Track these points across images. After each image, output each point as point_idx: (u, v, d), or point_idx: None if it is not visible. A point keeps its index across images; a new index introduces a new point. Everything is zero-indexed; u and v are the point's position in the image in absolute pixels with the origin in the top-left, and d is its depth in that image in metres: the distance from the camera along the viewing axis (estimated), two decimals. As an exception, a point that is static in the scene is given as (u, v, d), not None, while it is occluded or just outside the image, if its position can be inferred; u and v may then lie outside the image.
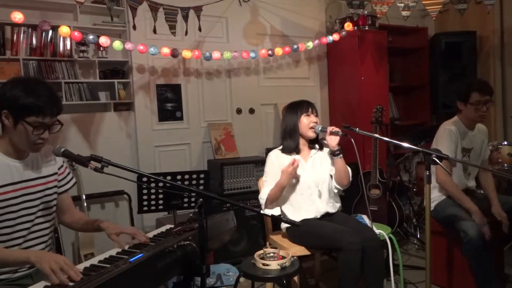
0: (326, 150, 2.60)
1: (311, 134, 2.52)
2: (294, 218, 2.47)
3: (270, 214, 1.90)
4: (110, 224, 1.79)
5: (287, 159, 2.49)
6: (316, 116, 2.55)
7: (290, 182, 2.48)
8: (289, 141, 2.54)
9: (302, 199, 2.51)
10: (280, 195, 2.48)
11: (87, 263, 1.45)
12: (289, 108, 2.62)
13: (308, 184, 2.51)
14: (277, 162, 2.52)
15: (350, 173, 2.56)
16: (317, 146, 2.59)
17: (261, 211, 1.76)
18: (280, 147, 2.60)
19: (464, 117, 2.76)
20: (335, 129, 2.42)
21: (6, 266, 1.59)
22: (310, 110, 2.53)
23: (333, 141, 2.43)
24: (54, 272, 1.32)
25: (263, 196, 2.49)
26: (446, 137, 2.69)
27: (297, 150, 2.55)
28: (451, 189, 2.67)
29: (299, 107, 2.54)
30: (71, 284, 1.29)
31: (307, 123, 2.51)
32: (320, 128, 2.49)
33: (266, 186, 2.50)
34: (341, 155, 2.48)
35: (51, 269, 1.33)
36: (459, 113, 2.79)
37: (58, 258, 1.38)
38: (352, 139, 2.34)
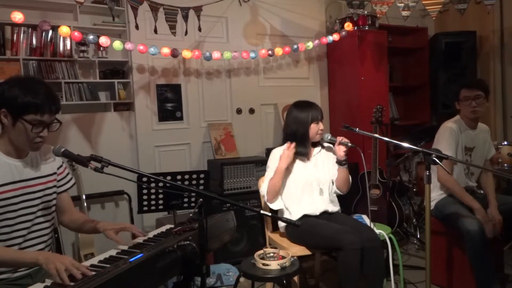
0: (329, 153, 2.62)
1: (317, 139, 2.54)
2: (293, 213, 2.50)
3: (270, 214, 1.90)
4: (106, 223, 1.79)
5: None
6: (322, 121, 2.55)
7: (289, 169, 2.49)
8: (300, 147, 2.51)
9: (302, 195, 2.52)
10: (280, 184, 2.46)
11: (87, 263, 1.45)
12: (298, 109, 2.54)
13: (310, 181, 2.52)
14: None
15: (350, 182, 2.59)
16: (319, 145, 2.61)
17: (261, 211, 1.75)
18: (285, 147, 2.57)
19: (463, 116, 2.78)
20: (344, 140, 2.43)
21: (13, 266, 1.60)
22: (320, 118, 2.52)
23: (341, 151, 2.44)
24: (59, 271, 1.33)
25: (263, 189, 2.50)
26: (447, 135, 2.70)
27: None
28: (452, 187, 2.67)
29: (310, 113, 2.50)
30: (71, 284, 1.29)
31: (315, 131, 2.51)
32: (329, 138, 2.48)
33: (268, 181, 2.51)
34: (347, 165, 2.49)
35: (56, 269, 1.34)
36: (459, 113, 2.82)
37: (64, 259, 1.39)
38: (359, 149, 2.37)
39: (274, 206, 2.51)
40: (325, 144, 2.62)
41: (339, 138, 2.44)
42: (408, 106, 5.00)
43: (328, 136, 2.48)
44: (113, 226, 1.77)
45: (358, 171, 3.47)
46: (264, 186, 2.51)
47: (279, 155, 2.52)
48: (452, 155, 2.60)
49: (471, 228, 2.45)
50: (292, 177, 2.52)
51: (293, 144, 2.43)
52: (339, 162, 2.49)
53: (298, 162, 2.55)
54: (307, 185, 2.52)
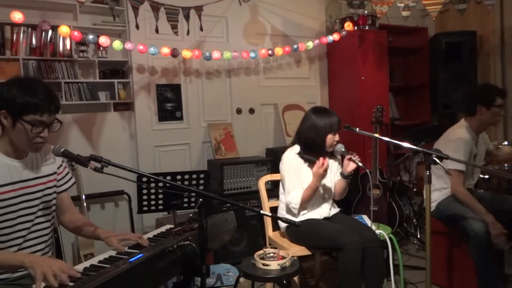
0: (337, 162, 2.63)
1: (329, 150, 2.50)
2: (299, 218, 2.49)
3: (270, 214, 1.90)
4: (109, 232, 1.77)
5: (303, 164, 2.51)
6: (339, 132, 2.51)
7: (303, 176, 2.48)
8: (313, 154, 2.48)
9: (309, 201, 2.50)
10: (311, 198, 2.46)
11: (87, 263, 1.45)
12: (317, 115, 2.48)
13: (319, 188, 2.51)
14: (295, 162, 2.51)
15: (346, 193, 2.62)
16: (331, 153, 2.58)
17: (261, 211, 1.75)
18: (297, 151, 2.53)
19: (475, 121, 2.72)
20: (357, 158, 2.39)
21: (1, 269, 1.58)
22: (337, 129, 2.47)
23: (349, 167, 2.42)
24: (46, 276, 1.30)
25: (295, 201, 2.42)
26: (463, 147, 2.63)
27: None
28: (464, 199, 2.62)
29: (329, 122, 2.44)
30: (71, 284, 1.28)
31: (331, 141, 2.46)
32: (342, 150, 2.44)
33: (295, 189, 2.44)
34: (349, 180, 2.51)
35: (43, 273, 1.31)
36: (468, 117, 2.76)
37: (53, 264, 1.35)
38: (368, 170, 2.42)
39: (299, 217, 2.50)
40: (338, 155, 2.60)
41: (350, 154, 2.41)
42: (408, 106, 5.00)
43: (341, 148, 2.45)
44: (116, 234, 1.73)
45: (358, 171, 3.47)
46: (294, 198, 2.42)
47: (293, 160, 2.50)
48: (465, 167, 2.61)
49: (477, 230, 2.42)
50: (305, 183, 2.47)
51: (326, 162, 2.34)
52: (343, 175, 2.49)
53: (309, 169, 2.52)
54: (316, 192, 2.50)
